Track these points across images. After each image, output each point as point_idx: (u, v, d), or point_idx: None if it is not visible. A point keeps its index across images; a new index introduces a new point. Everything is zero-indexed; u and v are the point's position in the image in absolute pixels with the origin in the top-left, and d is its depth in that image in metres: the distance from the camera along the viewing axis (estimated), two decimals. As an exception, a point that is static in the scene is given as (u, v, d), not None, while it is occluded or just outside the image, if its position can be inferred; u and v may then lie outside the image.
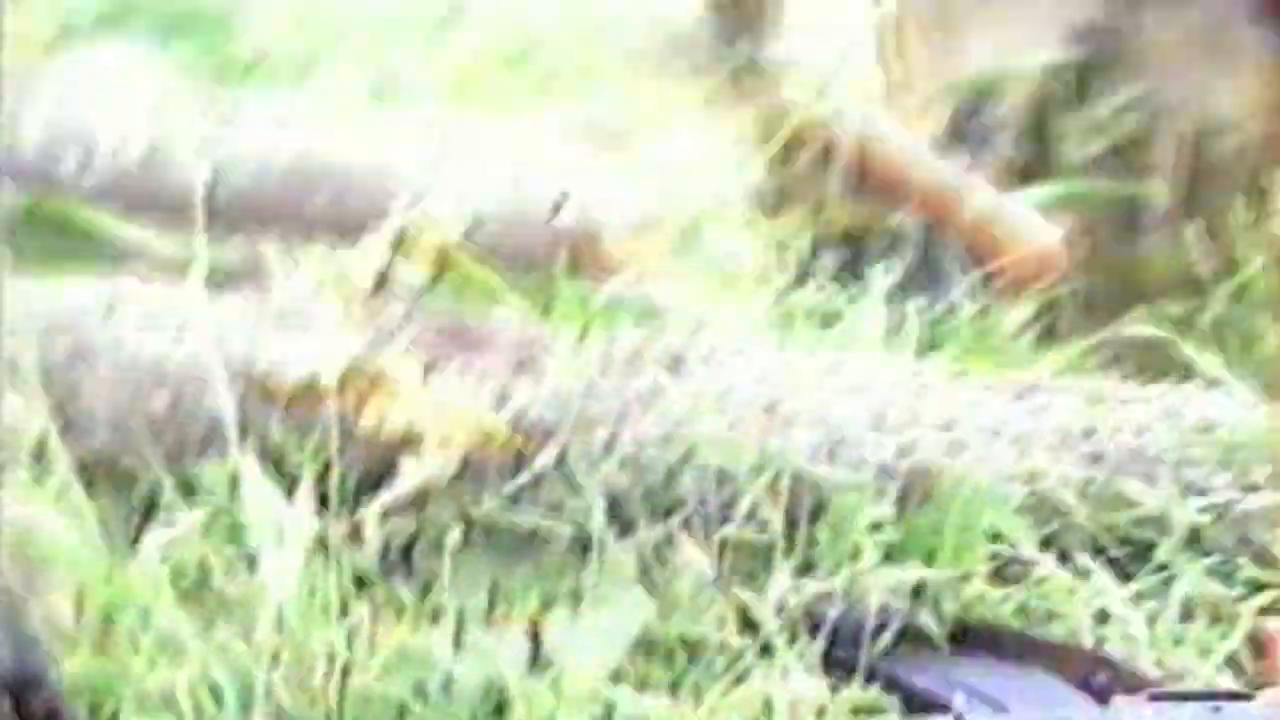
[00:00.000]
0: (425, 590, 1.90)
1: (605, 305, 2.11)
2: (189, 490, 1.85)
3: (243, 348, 1.89)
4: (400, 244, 1.99)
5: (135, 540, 1.84)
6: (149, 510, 1.88)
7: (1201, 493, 2.04)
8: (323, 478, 1.87)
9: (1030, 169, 3.61)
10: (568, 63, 3.08)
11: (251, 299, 1.95)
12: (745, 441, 1.95)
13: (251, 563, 1.79)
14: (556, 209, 2.06)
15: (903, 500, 2.00)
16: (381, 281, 1.95)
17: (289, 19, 3.15)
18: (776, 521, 1.91)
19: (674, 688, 1.84)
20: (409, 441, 1.88)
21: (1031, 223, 2.90)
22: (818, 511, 1.96)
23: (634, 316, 2.10)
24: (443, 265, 2.05)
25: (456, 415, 1.89)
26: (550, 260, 2.10)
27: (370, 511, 1.84)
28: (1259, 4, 4.44)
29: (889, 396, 2.03)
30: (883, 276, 2.51)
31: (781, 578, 1.89)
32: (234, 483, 1.85)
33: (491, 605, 1.89)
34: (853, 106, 2.87)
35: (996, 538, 1.98)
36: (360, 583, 1.83)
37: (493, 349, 1.96)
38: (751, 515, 1.92)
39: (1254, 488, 2.05)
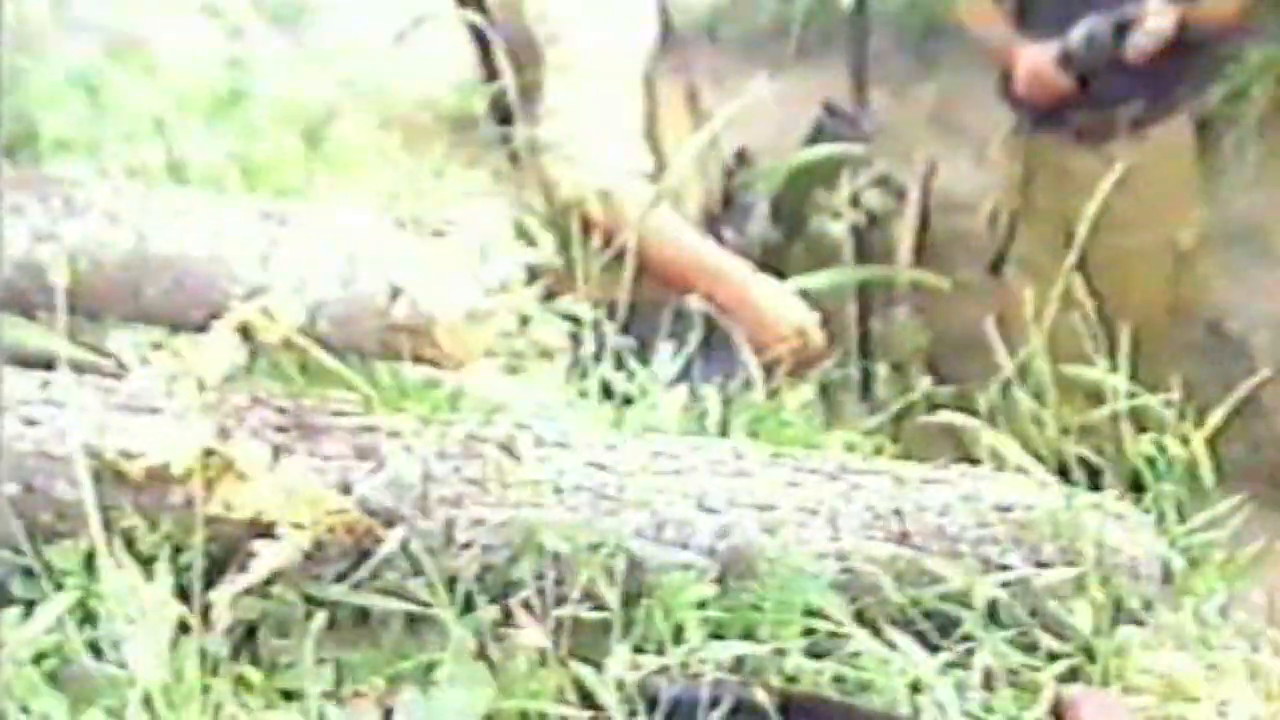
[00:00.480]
0: (270, 670, 1.96)
1: (440, 393, 2.19)
2: (45, 574, 1.89)
3: (92, 434, 1.93)
4: (243, 334, 2.04)
5: (-11, 625, 1.87)
6: (1, 596, 1.91)
7: (999, 569, 2.18)
8: (172, 561, 1.92)
9: (783, 248, 3.76)
10: (358, 142, 3.15)
11: (99, 386, 1.98)
12: (578, 524, 2.04)
13: (114, 646, 1.82)
14: (390, 301, 2.12)
15: (724, 578, 2.11)
16: (228, 370, 2.00)
17: (67, 99, 3.18)
18: (612, 600, 2.00)
19: (518, 763, 1.92)
20: (257, 526, 1.93)
21: (790, 303, 3.02)
22: (648, 590, 2.05)
23: (467, 404, 2.18)
24: (282, 354, 2.10)
25: (303, 500, 1.95)
26: (384, 350, 2.17)
27: (223, 594, 1.88)
28: (999, 84, 4.67)
29: (710, 479, 2.14)
30: (671, 356, 2.61)
31: (618, 654, 1.98)
32: (89, 566, 1.89)
33: (338, 685, 1.96)
34: (621, 186, 2.97)
35: (812, 613, 2.10)
36: (215, 665, 1.88)
37: (333, 436, 2.03)
38: (587, 595, 2.01)
39: (1045, 564, 2.19)
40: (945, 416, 2.24)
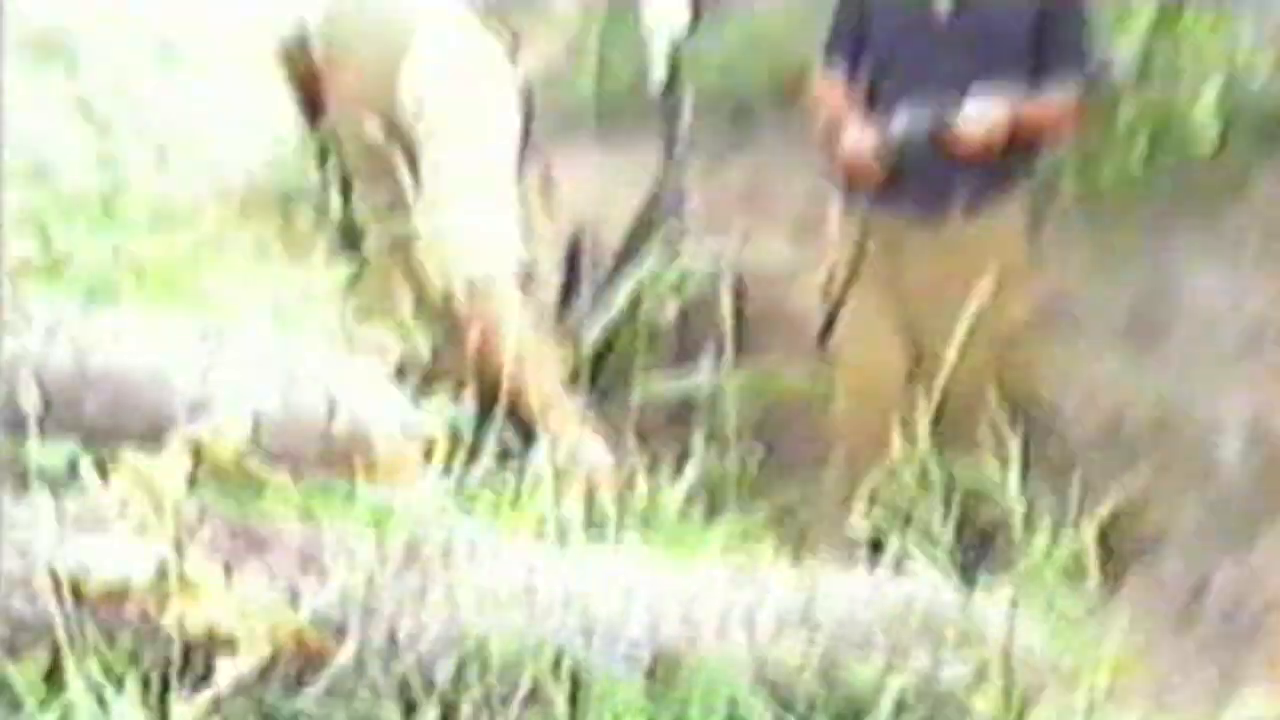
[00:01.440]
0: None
1: (378, 505, 2.26)
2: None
3: (48, 551, 1.98)
4: (196, 450, 2.10)
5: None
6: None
7: (905, 662, 2.29)
8: (136, 669, 1.97)
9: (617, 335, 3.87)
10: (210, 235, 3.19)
11: (53, 502, 2.03)
12: (515, 629, 2.13)
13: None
14: (329, 416, 2.19)
15: (651, 679, 2.20)
16: (186, 486, 2.06)
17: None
18: (559, 703, 2.08)
19: None
20: (213, 640, 2.00)
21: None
22: (584, 690, 2.14)
23: (401, 514, 2.25)
24: (229, 469, 2.16)
25: (258, 614, 2.01)
26: (323, 465, 2.24)
27: (184, 711, 1.94)
28: (826, 165, 4.77)
29: (635, 582, 2.24)
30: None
31: (563, 756, 2.06)
32: (51, 683, 1.93)
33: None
34: (493, 282, 3.07)
35: (734, 712, 2.19)
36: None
37: (279, 549, 2.10)
38: (533, 696, 2.09)
39: (948, 660, 2.32)
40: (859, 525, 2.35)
